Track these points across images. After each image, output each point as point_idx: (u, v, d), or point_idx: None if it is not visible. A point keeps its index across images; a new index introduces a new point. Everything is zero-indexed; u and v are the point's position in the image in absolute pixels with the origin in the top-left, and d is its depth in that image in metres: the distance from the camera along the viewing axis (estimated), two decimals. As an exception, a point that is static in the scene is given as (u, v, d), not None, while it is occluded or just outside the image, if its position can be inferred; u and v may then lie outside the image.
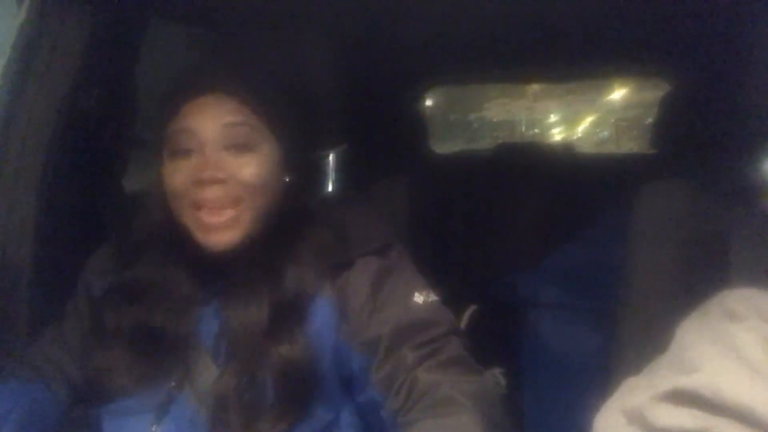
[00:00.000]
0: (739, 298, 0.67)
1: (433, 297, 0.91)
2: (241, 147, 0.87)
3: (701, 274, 0.94)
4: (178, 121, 0.87)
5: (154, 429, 0.86)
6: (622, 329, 1.01)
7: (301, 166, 0.97)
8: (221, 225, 0.85)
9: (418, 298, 0.89)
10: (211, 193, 0.84)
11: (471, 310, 1.33)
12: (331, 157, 2.13)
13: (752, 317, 0.63)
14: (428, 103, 2.57)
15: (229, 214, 0.85)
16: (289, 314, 0.87)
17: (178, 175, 0.86)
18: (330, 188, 2.08)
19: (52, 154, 1.06)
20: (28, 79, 1.04)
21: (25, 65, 1.04)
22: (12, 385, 0.90)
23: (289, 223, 0.93)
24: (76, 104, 1.10)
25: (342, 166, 2.12)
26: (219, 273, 0.91)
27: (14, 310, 1.03)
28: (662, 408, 0.60)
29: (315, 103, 1.16)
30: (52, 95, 1.05)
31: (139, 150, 1.32)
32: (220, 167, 0.85)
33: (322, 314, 0.89)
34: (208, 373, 0.88)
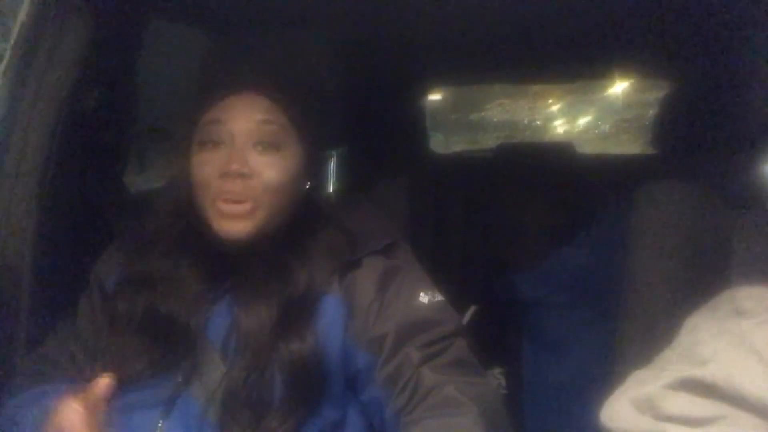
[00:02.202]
0: (748, 296, 0.68)
1: (438, 297, 0.92)
2: (269, 145, 0.89)
3: (702, 273, 0.94)
4: (210, 114, 0.90)
5: (161, 424, 0.87)
6: (624, 329, 1.01)
7: (319, 169, 0.98)
8: (238, 214, 0.86)
9: (424, 297, 0.90)
10: (234, 186, 0.86)
11: (472, 309, 1.33)
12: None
13: (763, 313, 0.64)
14: (429, 103, 2.57)
15: (247, 205, 0.87)
16: (298, 312, 0.88)
17: (205, 166, 0.88)
18: (330, 188, 2.08)
19: (52, 154, 1.06)
20: (28, 79, 1.04)
21: (25, 65, 1.04)
22: (34, 392, 0.91)
23: (302, 223, 0.94)
24: (76, 104, 1.09)
25: (342, 166, 2.12)
26: (230, 270, 0.92)
27: (15, 311, 1.03)
28: (674, 396, 0.60)
29: (332, 105, 1.17)
30: (52, 95, 1.05)
31: (158, 141, 1.33)
32: (247, 162, 0.87)
33: (330, 313, 0.90)
34: (216, 370, 0.88)
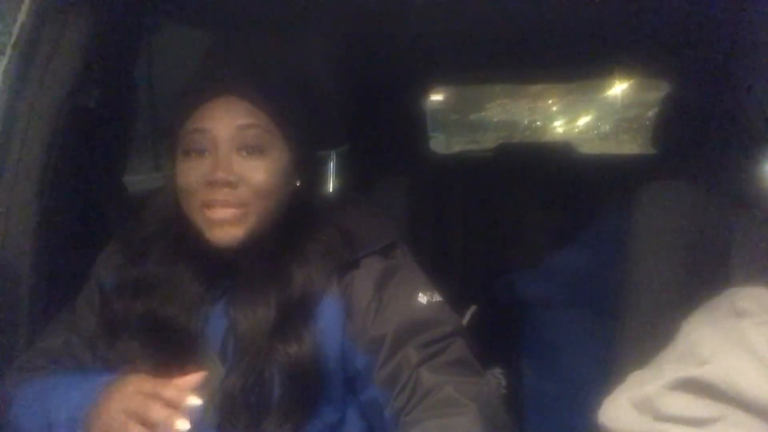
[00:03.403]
0: (747, 296, 0.68)
1: (437, 297, 0.92)
2: (253, 149, 0.87)
3: (701, 273, 0.94)
4: (192, 121, 0.88)
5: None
6: (623, 329, 1.01)
7: (309, 169, 0.97)
8: (227, 221, 0.86)
9: (422, 298, 0.90)
10: (221, 194, 0.85)
11: (471, 310, 1.33)
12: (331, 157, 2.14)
13: (761, 313, 0.64)
14: (429, 103, 2.57)
15: (236, 212, 0.86)
16: (296, 314, 0.88)
17: (190, 174, 0.87)
18: (330, 188, 2.08)
19: (52, 154, 1.06)
20: (28, 79, 1.04)
21: (25, 65, 1.04)
22: (35, 383, 0.90)
23: (297, 224, 0.93)
24: (76, 104, 1.10)
25: (342, 166, 2.12)
26: (227, 272, 0.91)
27: (15, 310, 1.03)
28: (673, 397, 0.60)
29: (322, 105, 1.16)
30: (52, 95, 1.05)
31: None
32: (232, 169, 0.86)
33: (328, 314, 0.90)
34: (215, 372, 0.88)
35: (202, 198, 0.86)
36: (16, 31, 1.04)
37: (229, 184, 0.85)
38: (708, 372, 0.59)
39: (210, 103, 0.88)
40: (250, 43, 1.12)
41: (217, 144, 0.87)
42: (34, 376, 0.91)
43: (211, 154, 0.87)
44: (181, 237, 0.92)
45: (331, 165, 2.13)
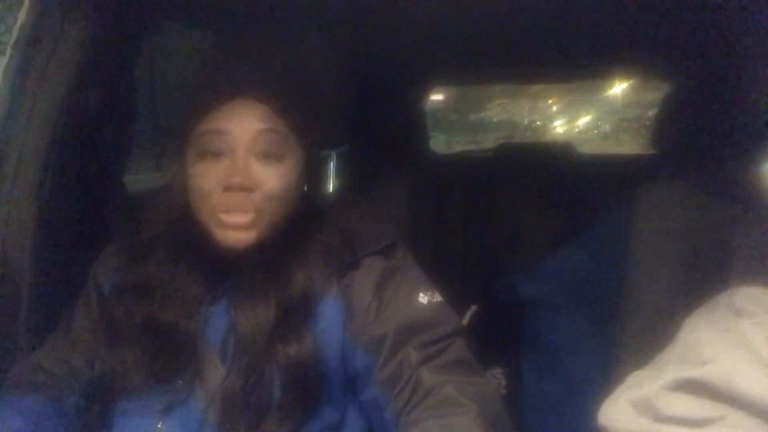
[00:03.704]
0: (746, 296, 0.68)
1: (438, 297, 0.92)
2: (269, 155, 0.87)
3: (701, 273, 0.94)
4: (207, 122, 0.87)
5: (160, 426, 0.87)
6: (623, 329, 1.01)
7: (317, 172, 0.97)
8: (241, 225, 0.86)
9: (423, 298, 0.90)
10: (236, 199, 0.85)
11: (471, 309, 1.33)
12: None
13: (761, 313, 0.64)
14: (430, 103, 2.57)
15: (249, 216, 0.86)
16: (296, 314, 0.88)
17: (205, 177, 0.86)
18: (330, 188, 2.08)
19: (52, 154, 1.06)
20: (28, 79, 1.04)
21: (25, 65, 1.04)
22: (22, 401, 0.89)
23: (299, 225, 0.93)
24: (76, 104, 1.10)
25: (342, 166, 2.12)
26: (228, 272, 0.91)
27: (15, 311, 1.03)
28: (673, 397, 0.60)
29: (326, 106, 1.16)
30: (52, 95, 1.05)
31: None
32: (249, 175, 0.85)
33: (328, 314, 0.90)
34: (215, 373, 0.88)
35: (217, 201, 0.86)
36: (16, 31, 1.04)
37: (246, 189, 0.85)
38: (708, 372, 0.59)
39: (227, 105, 0.88)
40: (260, 43, 1.11)
41: (234, 147, 0.86)
42: (13, 396, 0.91)
43: (228, 157, 0.86)
44: (185, 238, 0.92)
45: (331, 165, 2.13)
